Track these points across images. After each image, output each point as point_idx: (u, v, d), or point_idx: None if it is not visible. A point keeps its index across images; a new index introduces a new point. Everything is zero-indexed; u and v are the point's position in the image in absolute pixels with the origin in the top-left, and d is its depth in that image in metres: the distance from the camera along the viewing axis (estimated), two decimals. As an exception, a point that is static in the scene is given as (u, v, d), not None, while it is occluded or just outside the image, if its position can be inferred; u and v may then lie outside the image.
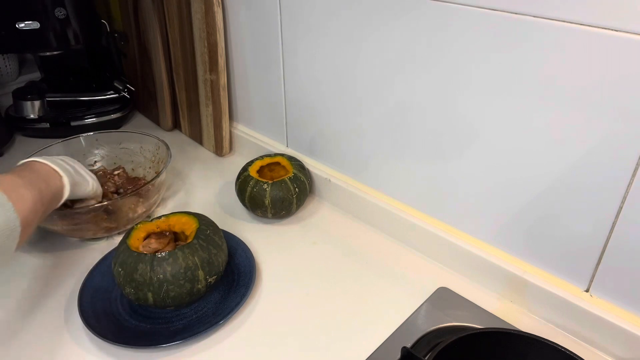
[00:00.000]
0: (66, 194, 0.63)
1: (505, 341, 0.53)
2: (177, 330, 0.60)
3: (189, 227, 0.65)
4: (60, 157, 0.70)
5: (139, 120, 1.14)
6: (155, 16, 0.94)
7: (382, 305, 0.64)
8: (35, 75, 1.19)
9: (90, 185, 0.70)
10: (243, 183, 0.78)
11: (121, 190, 0.81)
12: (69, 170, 0.66)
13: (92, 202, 0.72)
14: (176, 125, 1.08)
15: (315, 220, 0.81)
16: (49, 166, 0.63)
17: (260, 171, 0.81)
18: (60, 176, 0.63)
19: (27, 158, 0.64)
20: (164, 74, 1.00)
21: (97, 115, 1.06)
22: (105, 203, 0.71)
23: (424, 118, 0.64)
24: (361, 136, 0.74)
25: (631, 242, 0.52)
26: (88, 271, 0.68)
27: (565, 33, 0.48)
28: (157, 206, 0.83)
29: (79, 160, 0.86)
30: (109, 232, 0.75)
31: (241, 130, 0.97)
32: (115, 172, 0.85)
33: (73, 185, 0.65)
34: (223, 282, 0.67)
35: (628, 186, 0.50)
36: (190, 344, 0.59)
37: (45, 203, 0.58)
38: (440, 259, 0.70)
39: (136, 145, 0.88)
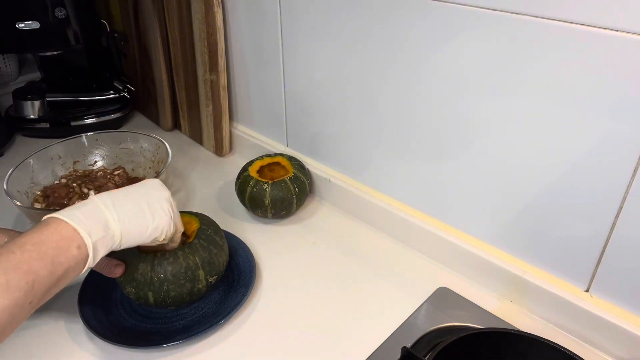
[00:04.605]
0: (91, 258, 0.48)
1: (505, 341, 0.53)
2: (177, 330, 0.60)
3: (190, 226, 0.65)
4: (124, 188, 0.55)
5: (139, 120, 1.14)
6: (155, 16, 0.94)
7: (382, 305, 0.64)
8: (35, 75, 1.19)
9: (151, 229, 0.53)
10: (243, 183, 0.78)
11: (121, 190, 0.81)
12: (108, 218, 0.50)
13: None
14: (176, 125, 1.08)
15: (315, 220, 0.81)
16: (69, 227, 0.47)
17: (260, 171, 0.81)
18: (83, 242, 0.47)
19: (53, 213, 0.48)
20: (164, 74, 1.00)
21: (97, 115, 1.05)
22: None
23: (424, 118, 0.64)
24: (361, 136, 0.74)
25: (631, 242, 0.52)
26: (88, 271, 0.68)
27: (565, 33, 0.48)
28: (157, 206, 0.83)
29: (78, 160, 0.87)
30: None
31: (241, 130, 0.97)
32: (116, 172, 0.85)
33: (109, 244, 0.50)
34: (223, 282, 0.67)
35: (628, 186, 0.50)
36: (190, 344, 0.59)
37: (37, 297, 0.44)
38: (440, 259, 0.70)
39: (136, 145, 0.89)
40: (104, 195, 0.52)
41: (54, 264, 0.45)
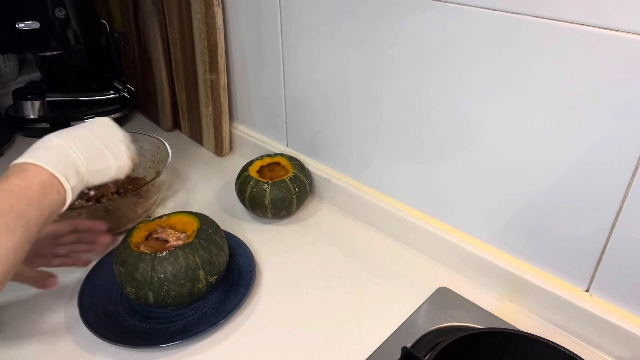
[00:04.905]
0: (68, 202, 0.52)
1: (505, 341, 0.53)
2: (177, 330, 0.60)
3: (190, 226, 0.65)
4: (80, 128, 0.56)
5: (139, 120, 1.14)
6: (155, 16, 0.94)
7: (382, 305, 0.64)
8: (35, 75, 1.19)
9: (114, 168, 0.58)
10: (243, 183, 0.78)
11: (121, 190, 0.81)
12: (77, 162, 0.53)
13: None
14: (176, 126, 1.08)
15: (315, 221, 0.81)
16: (50, 174, 0.50)
17: (260, 171, 0.81)
18: (62, 186, 0.50)
19: (27, 155, 0.51)
20: (164, 74, 1.00)
21: (97, 115, 1.05)
22: (105, 203, 0.71)
23: (424, 118, 0.64)
24: (361, 136, 0.74)
25: (631, 242, 0.52)
26: (88, 271, 0.68)
27: (565, 33, 0.48)
28: (157, 206, 0.83)
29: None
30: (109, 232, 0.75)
31: (241, 130, 0.97)
32: (115, 172, 0.85)
33: (81, 184, 0.54)
34: (223, 282, 0.67)
35: (628, 186, 0.50)
36: (190, 344, 0.59)
37: (33, 235, 0.47)
38: (440, 259, 0.70)
39: (136, 145, 0.88)
40: (62, 135, 0.53)
41: (40, 207, 0.48)
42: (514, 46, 0.52)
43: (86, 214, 0.71)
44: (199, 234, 0.62)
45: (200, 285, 0.60)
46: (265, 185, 0.76)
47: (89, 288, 0.65)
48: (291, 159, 0.83)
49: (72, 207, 0.70)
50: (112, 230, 0.75)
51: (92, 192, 0.79)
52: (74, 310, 0.62)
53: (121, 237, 0.66)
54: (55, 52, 1.01)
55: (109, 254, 0.70)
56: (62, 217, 0.69)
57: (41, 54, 1.05)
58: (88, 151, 0.54)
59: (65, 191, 0.50)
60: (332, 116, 0.77)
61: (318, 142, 0.82)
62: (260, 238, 0.76)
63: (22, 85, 1.09)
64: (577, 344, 0.58)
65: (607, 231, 0.53)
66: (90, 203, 0.77)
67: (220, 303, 0.64)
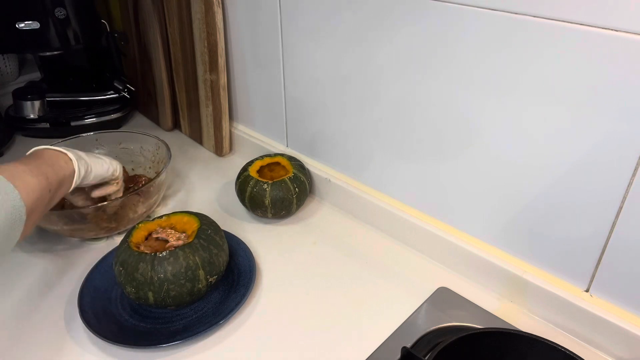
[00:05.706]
0: (77, 176, 0.61)
1: (505, 341, 0.53)
2: (177, 330, 0.60)
3: (190, 226, 0.65)
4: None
5: (139, 120, 1.14)
6: (155, 16, 0.94)
7: (382, 305, 0.64)
8: (35, 75, 1.19)
9: (108, 164, 0.68)
10: (243, 183, 0.78)
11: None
12: (78, 152, 0.63)
13: (112, 188, 0.71)
14: (176, 125, 1.08)
15: (315, 220, 0.81)
16: (56, 150, 0.61)
17: (260, 171, 0.81)
18: (69, 158, 0.61)
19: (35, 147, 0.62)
20: (164, 74, 1.00)
21: (97, 115, 1.05)
22: (109, 201, 0.71)
23: (424, 118, 0.64)
24: (361, 136, 0.74)
25: (631, 242, 0.52)
26: (88, 271, 0.68)
27: (565, 33, 0.48)
28: (157, 206, 0.83)
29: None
30: (109, 232, 0.75)
31: (241, 130, 0.97)
32: (115, 172, 0.85)
33: (85, 166, 0.63)
34: (223, 282, 0.67)
35: (628, 186, 0.50)
36: (190, 344, 0.59)
37: (52, 189, 0.56)
38: (440, 259, 0.70)
39: (136, 145, 0.88)
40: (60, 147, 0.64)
41: (54, 168, 0.58)
42: (513, 46, 0.52)
43: (90, 213, 0.71)
44: (199, 234, 0.62)
45: (200, 285, 0.60)
46: (265, 185, 0.76)
47: (89, 288, 0.65)
48: (291, 159, 0.83)
49: (77, 206, 0.70)
50: (113, 230, 0.75)
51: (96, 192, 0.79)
52: (74, 310, 0.62)
53: (121, 237, 0.66)
54: (55, 52, 1.01)
55: (109, 254, 0.70)
56: (69, 218, 0.70)
57: (41, 54, 1.05)
58: (82, 152, 0.65)
59: (72, 162, 0.61)
60: (332, 116, 0.77)
61: (318, 142, 0.82)
62: (260, 238, 0.76)
63: (22, 85, 1.09)
64: (577, 344, 0.58)
65: (607, 231, 0.53)
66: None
67: (220, 303, 0.64)
